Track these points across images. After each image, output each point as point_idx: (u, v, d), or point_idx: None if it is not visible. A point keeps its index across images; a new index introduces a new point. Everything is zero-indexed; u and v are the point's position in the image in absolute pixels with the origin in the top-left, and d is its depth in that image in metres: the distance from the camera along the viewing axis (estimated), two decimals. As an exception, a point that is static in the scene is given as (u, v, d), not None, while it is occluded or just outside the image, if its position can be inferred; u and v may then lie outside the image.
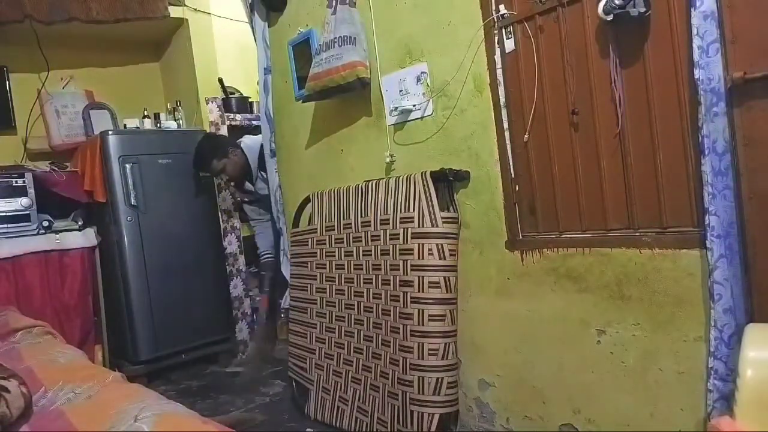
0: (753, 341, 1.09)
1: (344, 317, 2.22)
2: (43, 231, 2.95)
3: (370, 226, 2.11)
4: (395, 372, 1.93)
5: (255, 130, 3.38)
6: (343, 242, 2.25)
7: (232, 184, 3.31)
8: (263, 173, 3.07)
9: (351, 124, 2.38)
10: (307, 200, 2.56)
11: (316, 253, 2.40)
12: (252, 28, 2.87)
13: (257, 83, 3.07)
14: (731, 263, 1.29)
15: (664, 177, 1.45)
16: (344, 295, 2.23)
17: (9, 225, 2.86)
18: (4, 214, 2.86)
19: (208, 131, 3.44)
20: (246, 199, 3.38)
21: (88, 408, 1.26)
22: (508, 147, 1.81)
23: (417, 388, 1.85)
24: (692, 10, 1.28)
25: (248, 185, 3.23)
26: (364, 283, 2.13)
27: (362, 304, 2.13)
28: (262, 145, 3.04)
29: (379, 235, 2.06)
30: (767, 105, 1.21)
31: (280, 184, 2.86)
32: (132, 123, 3.38)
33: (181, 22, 3.63)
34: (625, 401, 1.56)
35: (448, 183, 1.95)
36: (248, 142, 3.18)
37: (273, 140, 2.85)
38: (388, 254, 2.01)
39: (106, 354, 3.12)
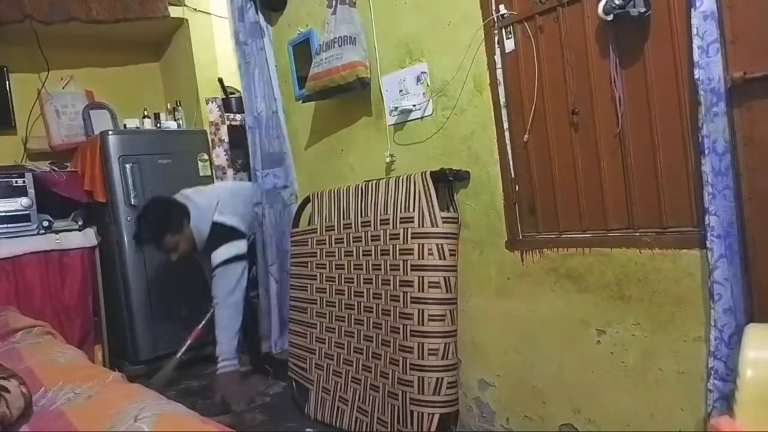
0: (753, 341, 1.09)
1: (344, 317, 2.22)
2: (43, 231, 2.95)
3: (370, 226, 2.11)
4: (395, 372, 1.93)
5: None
6: (343, 242, 2.25)
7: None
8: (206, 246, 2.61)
9: (351, 124, 2.39)
10: (307, 200, 2.56)
11: (316, 253, 2.40)
12: (235, 28, 2.77)
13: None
14: (731, 263, 1.29)
15: (664, 177, 1.45)
16: (344, 295, 2.23)
17: (9, 225, 2.86)
18: (4, 214, 2.86)
19: (159, 199, 2.74)
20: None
21: (88, 408, 1.26)
22: (508, 147, 1.81)
23: (417, 388, 1.85)
24: (692, 10, 1.28)
25: None
26: (364, 283, 2.13)
27: (362, 304, 2.13)
28: (215, 223, 2.58)
29: (379, 235, 2.06)
30: (767, 105, 1.21)
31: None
32: (132, 123, 3.38)
33: (181, 22, 3.63)
34: (625, 401, 1.56)
35: (448, 183, 1.95)
36: (197, 210, 2.59)
37: (289, 137, 2.82)
38: (388, 254, 2.01)
39: (106, 354, 3.12)
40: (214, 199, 2.67)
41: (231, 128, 3.61)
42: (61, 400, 1.32)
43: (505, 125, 1.80)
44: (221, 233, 2.59)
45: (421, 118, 2.05)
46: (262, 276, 2.74)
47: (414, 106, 2.05)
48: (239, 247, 2.61)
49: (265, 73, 2.72)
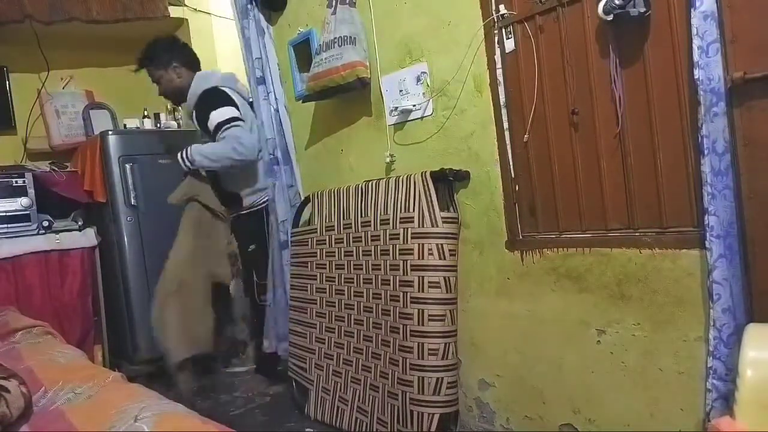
0: (753, 341, 1.09)
1: (344, 317, 2.22)
2: (43, 231, 2.95)
3: (370, 226, 2.11)
4: (395, 372, 1.93)
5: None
6: (343, 242, 2.25)
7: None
8: (195, 121, 2.67)
9: (351, 124, 2.39)
10: (307, 200, 2.56)
11: (316, 253, 2.40)
12: (241, 24, 2.78)
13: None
14: (731, 263, 1.29)
15: (664, 177, 1.45)
16: (344, 295, 2.23)
17: (9, 225, 2.86)
18: (4, 214, 2.86)
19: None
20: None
21: (88, 408, 1.26)
22: (508, 147, 1.81)
23: (417, 388, 1.85)
24: (692, 10, 1.28)
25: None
26: (363, 283, 2.13)
27: (362, 304, 2.13)
28: (214, 90, 2.61)
29: (379, 235, 2.06)
30: (767, 105, 1.21)
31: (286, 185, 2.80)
32: (132, 123, 3.38)
33: (181, 22, 3.63)
34: (625, 401, 1.56)
35: (448, 183, 1.95)
36: (204, 74, 2.72)
37: (292, 134, 2.81)
38: (388, 254, 2.01)
39: (106, 354, 3.12)
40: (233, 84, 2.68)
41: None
42: (61, 400, 1.32)
43: (505, 125, 1.80)
44: (218, 98, 2.57)
45: (421, 118, 2.05)
46: (277, 275, 2.72)
47: (414, 106, 2.05)
48: (236, 113, 2.54)
49: (268, 70, 2.72)
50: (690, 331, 1.41)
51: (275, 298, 2.69)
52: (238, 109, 2.57)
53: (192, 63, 2.75)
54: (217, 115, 2.51)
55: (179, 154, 2.61)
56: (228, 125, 2.50)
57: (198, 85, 2.65)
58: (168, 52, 2.69)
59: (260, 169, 2.69)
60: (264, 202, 2.72)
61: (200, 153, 2.54)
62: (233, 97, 2.61)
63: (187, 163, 2.58)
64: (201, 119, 2.60)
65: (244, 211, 2.78)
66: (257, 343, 2.97)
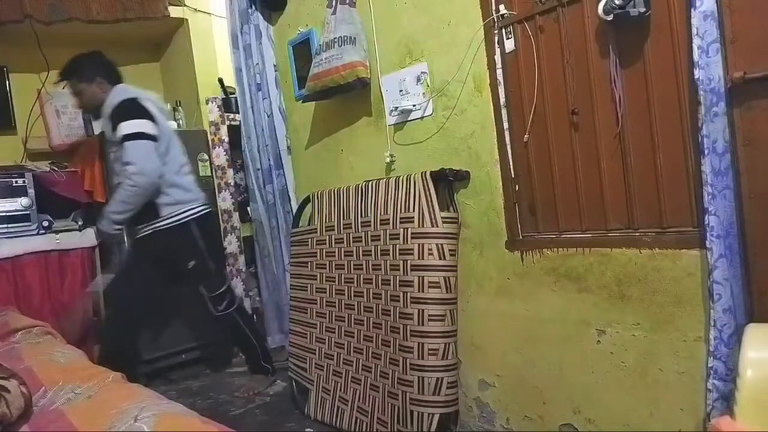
0: (753, 341, 1.09)
1: (344, 317, 2.22)
2: (43, 231, 2.95)
3: (370, 226, 2.11)
4: (395, 372, 1.93)
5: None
6: (343, 242, 2.25)
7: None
8: (108, 132, 2.49)
9: (351, 124, 2.39)
10: (307, 200, 2.56)
11: (316, 253, 2.40)
12: (236, 26, 2.76)
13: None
14: (731, 263, 1.29)
15: (664, 177, 1.45)
16: (344, 295, 2.23)
17: (9, 225, 2.86)
18: (4, 214, 2.85)
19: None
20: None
21: (88, 408, 1.25)
22: (508, 147, 1.81)
23: (417, 388, 1.85)
24: (692, 10, 1.28)
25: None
26: (364, 283, 2.13)
27: (362, 304, 2.13)
28: (131, 100, 2.43)
29: (379, 235, 2.06)
30: (767, 105, 1.21)
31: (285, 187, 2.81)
32: (132, 123, 3.37)
33: (181, 22, 3.63)
34: (625, 401, 1.56)
35: (448, 183, 1.95)
36: (123, 86, 2.57)
37: (288, 137, 2.82)
38: (388, 254, 2.01)
39: (106, 354, 3.11)
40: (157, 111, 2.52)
41: (231, 128, 3.61)
42: (61, 400, 1.32)
43: (505, 125, 1.80)
44: (133, 109, 2.42)
45: (421, 118, 2.05)
46: (279, 275, 2.71)
47: (414, 106, 2.05)
48: (148, 127, 2.39)
49: (264, 76, 2.72)
50: (690, 331, 1.41)
51: (268, 298, 2.69)
52: (154, 121, 2.43)
53: (115, 79, 2.62)
54: (126, 127, 2.37)
55: (99, 226, 2.55)
56: (132, 139, 2.35)
57: (116, 95, 2.50)
58: (93, 67, 2.59)
59: (184, 181, 2.56)
60: (185, 216, 2.52)
61: (112, 210, 2.45)
62: (152, 110, 2.47)
63: (113, 227, 2.50)
64: (113, 128, 2.43)
65: (163, 225, 2.48)
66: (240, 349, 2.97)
